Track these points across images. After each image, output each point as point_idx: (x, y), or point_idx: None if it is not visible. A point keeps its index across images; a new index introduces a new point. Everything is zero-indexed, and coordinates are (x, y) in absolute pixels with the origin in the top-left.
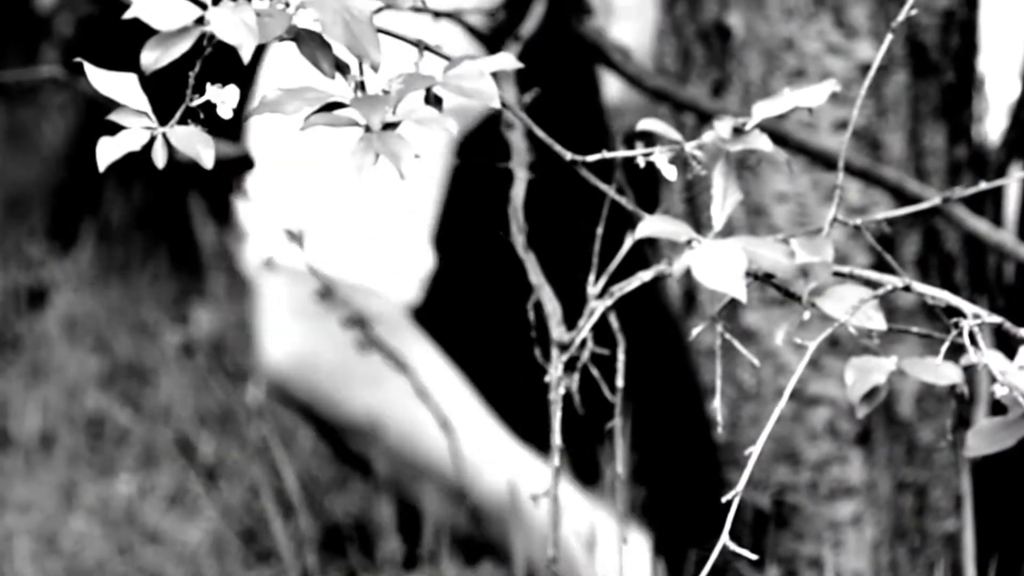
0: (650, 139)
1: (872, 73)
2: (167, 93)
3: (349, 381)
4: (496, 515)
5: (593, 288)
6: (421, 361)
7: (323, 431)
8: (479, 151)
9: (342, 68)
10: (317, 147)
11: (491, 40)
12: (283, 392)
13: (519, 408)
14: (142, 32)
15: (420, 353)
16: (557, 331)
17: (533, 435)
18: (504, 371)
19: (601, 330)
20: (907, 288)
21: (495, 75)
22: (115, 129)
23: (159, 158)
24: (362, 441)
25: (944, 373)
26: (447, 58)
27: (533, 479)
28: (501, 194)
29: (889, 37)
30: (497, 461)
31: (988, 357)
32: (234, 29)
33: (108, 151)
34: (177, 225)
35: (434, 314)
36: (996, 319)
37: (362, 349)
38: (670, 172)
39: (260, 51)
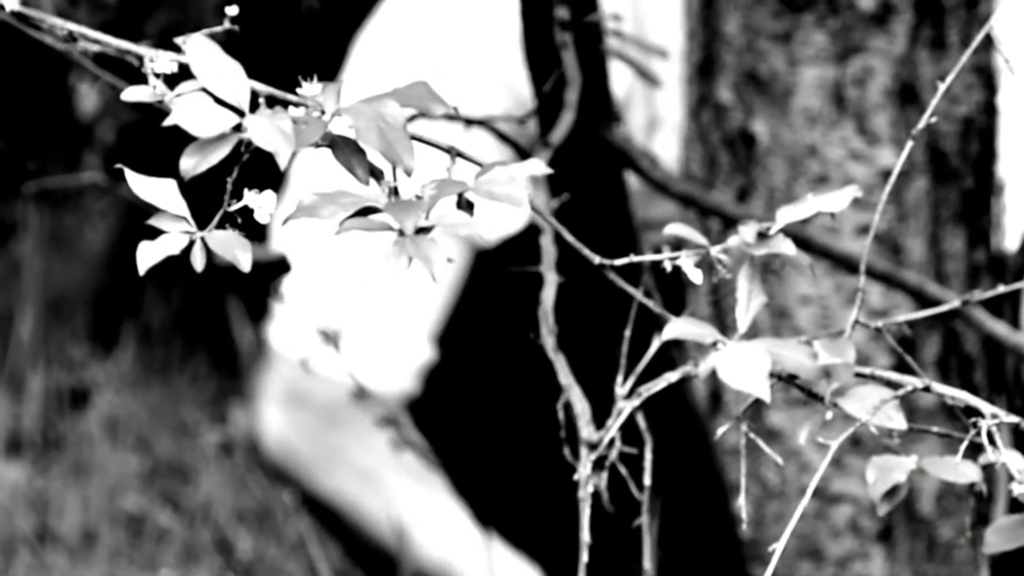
0: (677, 243)
1: (893, 179)
2: (205, 198)
3: (322, 466)
4: None
5: (621, 388)
6: (378, 453)
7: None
8: (504, 257)
9: (376, 174)
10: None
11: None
12: (273, 469)
13: (519, 496)
14: (181, 139)
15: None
16: (586, 430)
17: (531, 525)
18: (506, 465)
19: (629, 430)
20: (927, 389)
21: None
22: (155, 233)
23: (197, 262)
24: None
25: (963, 472)
26: (479, 164)
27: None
28: (519, 299)
29: (910, 144)
30: (438, 541)
31: (1006, 456)
32: (271, 136)
33: (148, 255)
34: (216, 327)
35: (432, 407)
36: (1014, 419)
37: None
38: (696, 276)
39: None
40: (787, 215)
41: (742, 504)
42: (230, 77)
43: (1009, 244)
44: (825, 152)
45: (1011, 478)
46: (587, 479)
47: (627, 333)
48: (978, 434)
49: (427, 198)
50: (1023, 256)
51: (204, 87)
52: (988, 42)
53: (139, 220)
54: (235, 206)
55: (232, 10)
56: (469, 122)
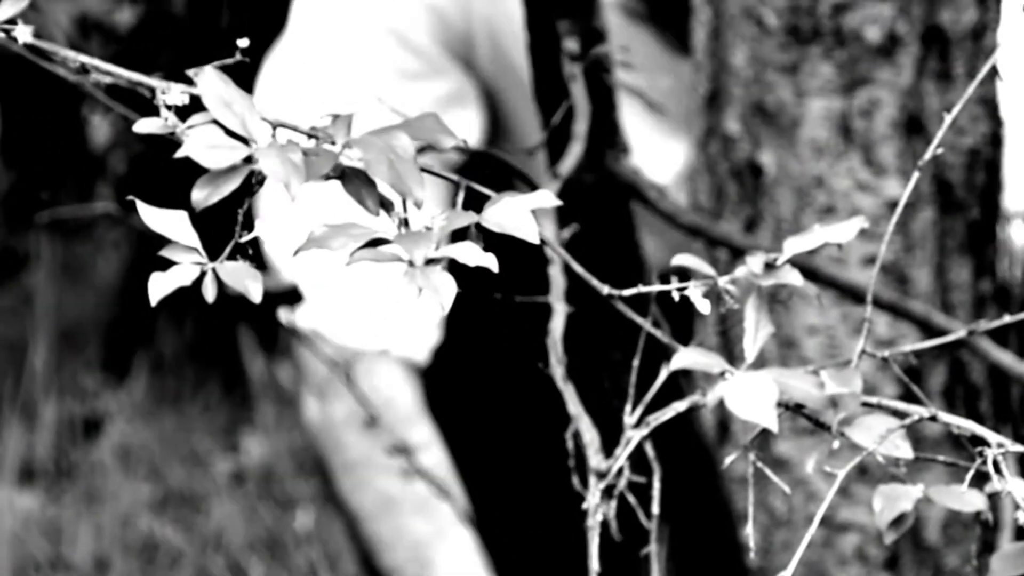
0: (685, 274)
1: (899, 210)
2: (217, 229)
3: (343, 471)
4: None
5: (630, 418)
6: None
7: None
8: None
9: (386, 205)
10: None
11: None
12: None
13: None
14: (193, 170)
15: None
16: (595, 459)
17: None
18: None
19: (637, 459)
20: (933, 418)
21: (534, 212)
22: (167, 264)
23: (209, 293)
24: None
25: (969, 500)
26: (488, 195)
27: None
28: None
29: (916, 175)
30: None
31: (1012, 485)
32: (282, 168)
33: (160, 286)
34: (227, 357)
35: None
36: (1020, 448)
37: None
38: (704, 306)
39: None
40: (794, 246)
41: (750, 532)
42: (241, 109)
43: (1015, 274)
44: (832, 183)
45: (1017, 506)
46: (596, 508)
47: (635, 363)
48: (984, 463)
49: (437, 229)
50: None
51: (215, 119)
52: (994, 74)
53: (151, 251)
54: (246, 237)
55: (243, 42)
56: (477, 154)
